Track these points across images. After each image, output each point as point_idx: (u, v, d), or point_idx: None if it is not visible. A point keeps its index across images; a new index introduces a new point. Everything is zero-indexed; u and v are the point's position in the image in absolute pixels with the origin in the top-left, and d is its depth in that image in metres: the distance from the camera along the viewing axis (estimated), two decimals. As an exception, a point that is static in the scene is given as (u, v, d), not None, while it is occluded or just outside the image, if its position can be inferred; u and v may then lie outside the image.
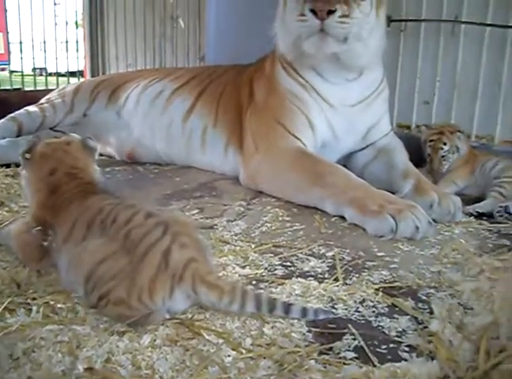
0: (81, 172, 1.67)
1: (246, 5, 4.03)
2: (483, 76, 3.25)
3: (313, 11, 2.39)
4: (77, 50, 5.87)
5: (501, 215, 2.42)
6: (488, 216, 2.46)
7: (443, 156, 2.86)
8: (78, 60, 5.89)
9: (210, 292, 1.32)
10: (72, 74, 5.79)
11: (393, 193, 2.50)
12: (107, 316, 1.35)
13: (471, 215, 2.46)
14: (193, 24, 4.79)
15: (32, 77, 5.30)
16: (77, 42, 5.95)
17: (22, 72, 5.20)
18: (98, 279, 1.33)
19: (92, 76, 5.67)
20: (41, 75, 6.44)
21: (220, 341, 1.29)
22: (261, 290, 1.60)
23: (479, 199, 2.62)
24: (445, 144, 2.86)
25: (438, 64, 3.39)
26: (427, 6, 3.38)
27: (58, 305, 1.41)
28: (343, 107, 2.79)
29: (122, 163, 3.39)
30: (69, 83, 5.41)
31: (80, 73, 6.04)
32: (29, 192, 1.69)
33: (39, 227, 1.58)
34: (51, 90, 4.03)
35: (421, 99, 3.50)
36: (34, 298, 1.45)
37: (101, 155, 3.45)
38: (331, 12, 2.38)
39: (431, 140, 2.91)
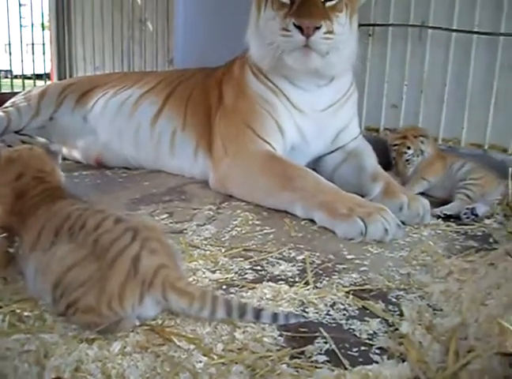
0: (49, 176, 1.64)
1: (215, 8, 4.04)
2: (449, 80, 3.29)
3: (298, 27, 2.40)
4: (44, 53, 5.79)
5: (468, 217, 2.46)
6: (455, 218, 2.49)
7: (407, 160, 2.91)
8: (45, 62, 5.80)
9: (180, 298, 1.31)
10: (38, 77, 5.71)
11: (362, 195, 2.52)
12: (76, 324, 1.32)
13: (439, 217, 2.49)
14: (162, 27, 4.77)
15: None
16: (43, 44, 5.87)
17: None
18: (66, 286, 1.30)
19: (59, 79, 5.60)
20: (6, 77, 6.34)
21: (192, 347, 1.27)
22: (232, 295, 1.59)
23: (446, 201, 2.65)
24: (409, 148, 2.91)
25: (406, 68, 3.43)
26: (394, 11, 3.41)
27: (25, 314, 1.38)
28: (313, 112, 2.81)
29: (90, 167, 3.34)
30: (35, 85, 5.33)
31: (47, 76, 5.95)
32: None
33: (5, 234, 1.54)
34: (17, 93, 3.97)
35: (389, 103, 3.53)
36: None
37: (66, 159, 3.44)
38: (317, 28, 2.41)
39: (395, 145, 2.96)
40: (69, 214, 1.43)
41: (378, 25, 3.48)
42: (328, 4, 2.52)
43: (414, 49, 3.40)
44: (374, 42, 3.50)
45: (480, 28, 3.15)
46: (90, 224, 1.37)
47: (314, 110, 2.81)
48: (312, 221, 2.34)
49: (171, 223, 2.30)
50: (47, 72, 6.01)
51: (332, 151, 2.96)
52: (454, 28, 3.22)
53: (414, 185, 2.75)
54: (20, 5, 5.72)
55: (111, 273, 1.28)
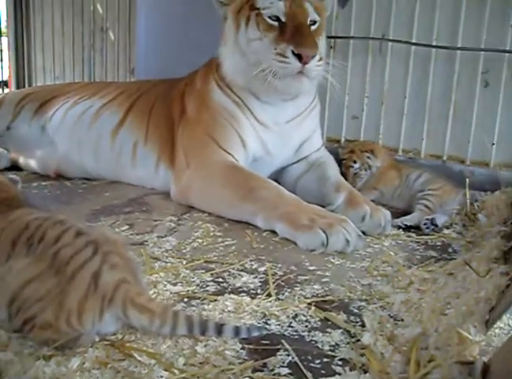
0: (5, 187, 1.59)
1: (177, 18, 4.02)
2: (409, 92, 3.35)
3: (297, 55, 2.42)
4: (1, 60, 5.67)
5: (427, 228, 2.49)
6: (416, 228, 2.52)
7: (355, 173, 3.00)
8: (2, 69, 5.68)
9: (141, 315, 1.28)
10: (-4, 84, 5.60)
11: (325, 205, 2.54)
12: (33, 340, 1.28)
13: (399, 227, 2.52)
14: (124, 36, 4.73)
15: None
16: (0, 51, 5.74)
17: None
18: (23, 301, 1.26)
19: (18, 87, 5.48)
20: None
21: (152, 362, 1.25)
22: (194, 308, 1.57)
23: (406, 212, 2.68)
24: (355, 162, 3.01)
25: (367, 80, 3.47)
26: (355, 24, 3.46)
27: (-22, 332, 1.33)
28: (276, 125, 2.82)
29: (49, 177, 3.26)
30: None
31: (5, 83, 5.83)
32: None
33: None
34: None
35: (350, 114, 3.57)
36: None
37: (22, 169, 3.37)
38: (312, 56, 2.45)
39: (343, 159, 3.06)
40: (27, 224, 1.38)
41: (340, 38, 3.52)
42: (312, 28, 2.59)
43: (375, 61, 3.45)
44: (335, 54, 3.54)
45: (438, 41, 3.22)
46: (50, 236, 1.33)
47: (277, 123, 2.82)
48: (274, 232, 2.33)
49: (131, 234, 2.27)
50: (4, 79, 5.88)
51: (295, 162, 2.97)
52: (414, 41, 3.28)
53: (365, 194, 2.78)
54: (-23, 12, 5.60)
55: (71, 288, 1.24)
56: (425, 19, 3.25)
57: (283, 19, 2.54)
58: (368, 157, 3.01)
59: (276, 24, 2.54)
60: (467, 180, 2.74)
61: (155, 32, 4.16)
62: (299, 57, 2.43)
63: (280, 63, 2.46)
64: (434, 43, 3.23)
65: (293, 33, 2.47)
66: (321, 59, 2.52)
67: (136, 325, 1.32)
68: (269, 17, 2.55)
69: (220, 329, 1.35)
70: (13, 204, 1.54)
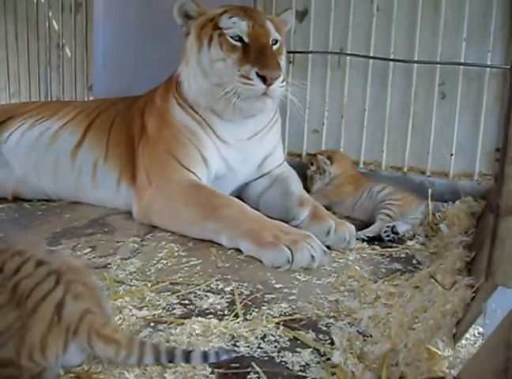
0: None
1: (134, 34, 4.00)
2: (368, 105, 3.39)
3: (261, 77, 2.43)
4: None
5: (388, 236, 2.51)
6: (379, 240, 2.53)
7: (311, 176, 3.14)
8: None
9: (106, 346, 1.25)
10: None
11: (288, 220, 2.54)
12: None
13: (363, 240, 2.53)
14: (81, 52, 4.66)
15: None
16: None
17: None
18: None
19: (-29, 106, 5.36)
20: None
21: (120, 392, 1.22)
22: (161, 333, 1.54)
23: (370, 224, 2.70)
24: (312, 164, 3.17)
25: (326, 94, 3.50)
26: (313, 39, 3.49)
27: None
28: (237, 142, 2.81)
29: (6, 199, 3.16)
30: None
31: (-42, 103, 5.68)
32: None
33: None
34: None
35: (311, 128, 3.59)
36: None
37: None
38: (276, 78, 2.46)
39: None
40: None
41: (298, 53, 3.54)
42: (274, 48, 2.62)
43: (334, 75, 3.48)
44: (294, 69, 3.56)
45: (395, 55, 3.27)
46: (9, 268, 1.27)
47: (238, 140, 2.81)
48: (239, 250, 2.31)
49: (94, 257, 2.22)
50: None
51: (258, 178, 2.97)
52: (371, 55, 3.33)
53: (315, 198, 2.79)
54: None
55: (33, 321, 1.20)
56: (382, 33, 3.30)
57: (246, 39, 2.55)
58: (325, 162, 3.09)
59: (239, 44, 2.55)
60: (429, 191, 2.78)
61: (112, 48, 4.12)
62: (263, 78, 2.44)
63: (244, 85, 2.46)
64: (391, 57, 3.28)
65: (257, 54, 2.48)
66: (284, 80, 2.54)
67: (101, 356, 1.28)
68: (232, 37, 2.56)
69: (187, 356, 1.33)
70: None
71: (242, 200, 2.67)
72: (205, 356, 1.34)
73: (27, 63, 5.09)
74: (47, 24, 4.84)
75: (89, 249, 2.31)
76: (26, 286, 1.24)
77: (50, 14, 4.82)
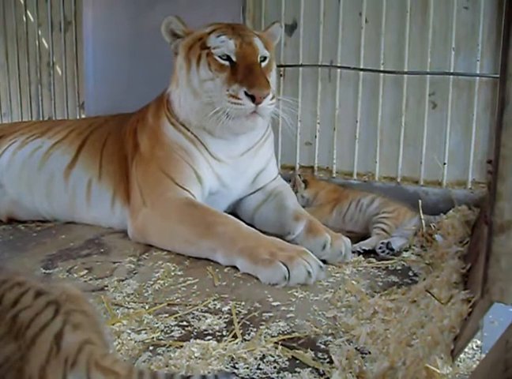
0: None
1: (124, 51, 4.00)
2: (360, 117, 3.40)
3: (250, 96, 2.44)
4: None
5: (383, 252, 2.51)
6: (375, 253, 2.54)
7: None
8: None
9: (106, 378, 1.24)
10: None
11: (284, 235, 2.56)
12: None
13: (359, 253, 2.53)
14: (71, 70, 4.66)
15: None
16: None
17: None
18: None
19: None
20: None
21: (121, 421, 1.21)
22: (160, 357, 1.54)
23: (364, 236, 2.70)
24: (290, 180, 3.23)
25: (318, 106, 3.51)
26: (303, 52, 3.50)
27: None
28: (230, 159, 2.81)
29: (1, 222, 3.15)
30: None
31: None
32: None
33: None
34: None
35: (303, 141, 3.59)
36: None
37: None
38: (265, 96, 2.47)
39: None
40: None
41: (289, 66, 3.56)
42: (263, 65, 2.63)
43: (325, 88, 3.49)
44: (285, 82, 3.58)
45: (385, 66, 3.29)
46: (8, 300, 1.26)
47: (231, 157, 2.81)
48: (235, 268, 2.31)
49: (90, 279, 2.21)
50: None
51: (252, 193, 2.97)
52: (362, 67, 3.35)
53: None
54: None
55: (32, 353, 1.19)
56: (371, 45, 3.31)
57: (233, 58, 2.56)
58: (300, 185, 3.14)
59: (227, 63, 2.56)
60: (419, 202, 2.79)
61: (103, 65, 4.12)
62: (252, 97, 2.45)
63: (233, 105, 2.47)
64: (381, 68, 3.30)
65: (245, 73, 2.49)
66: (273, 97, 2.54)
67: None
68: (220, 57, 2.57)
69: None
70: None
71: (236, 215, 2.69)
72: (204, 380, 1.34)
73: (18, 82, 5.09)
74: (37, 42, 4.84)
75: (86, 271, 2.30)
76: (25, 317, 1.23)
77: (39, 32, 4.83)
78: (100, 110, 3.76)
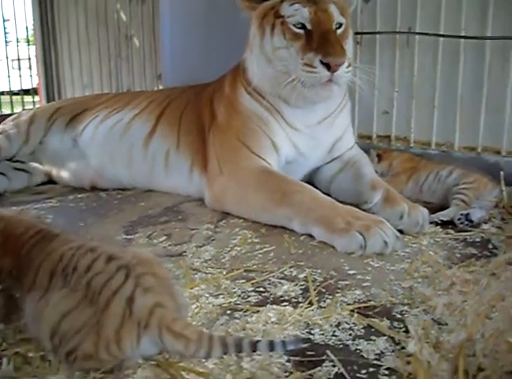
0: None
1: (201, 22, 4.03)
2: (439, 84, 3.31)
3: (325, 64, 2.42)
4: (30, 68, 5.74)
5: (462, 223, 2.45)
6: (453, 223, 2.48)
7: None
8: (31, 78, 5.75)
9: (176, 342, 1.27)
10: (25, 92, 5.66)
11: (360, 204, 2.54)
12: (78, 370, 1.28)
13: (437, 224, 2.48)
14: (149, 42, 4.76)
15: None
16: (29, 59, 5.81)
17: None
18: (62, 335, 1.27)
19: (47, 95, 5.57)
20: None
21: (200, 380, 1.26)
22: (237, 321, 1.57)
23: (441, 207, 2.65)
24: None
25: (395, 75, 3.44)
26: (381, 19, 3.43)
27: (30, 355, 1.36)
28: (307, 128, 2.80)
29: (84, 189, 3.31)
30: (23, 101, 5.33)
31: (35, 91, 5.90)
32: None
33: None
34: (6, 116, 3.96)
35: (380, 110, 3.54)
36: (4, 349, 1.39)
37: (56, 183, 3.41)
38: (341, 64, 2.44)
39: None
40: (61, 255, 1.38)
41: (366, 33, 3.49)
42: (338, 32, 2.57)
43: (402, 55, 3.42)
44: (362, 50, 3.52)
45: (466, 32, 3.17)
46: (82, 266, 1.32)
47: (308, 126, 2.80)
48: (311, 236, 2.32)
49: (170, 245, 2.28)
50: (34, 87, 5.95)
51: (328, 162, 2.96)
52: (441, 33, 3.24)
53: None
54: (4, 20, 5.66)
55: (106, 317, 1.24)
56: (452, 10, 3.20)
57: (308, 26, 2.52)
58: (374, 160, 3.08)
59: (301, 32, 2.53)
60: (501, 173, 2.70)
61: (180, 37, 4.17)
62: (327, 65, 2.42)
63: (308, 73, 2.45)
64: (462, 34, 3.17)
65: (320, 41, 2.45)
66: (349, 65, 2.50)
67: (171, 350, 1.32)
68: (294, 25, 2.54)
69: (254, 347, 1.34)
70: (50, 232, 1.54)
71: (312, 184, 2.68)
72: (271, 346, 1.36)
73: (98, 55, 5.24)
74: (116, 15, 4.96)
75: (165, 237, 2.38)
76: (98, 282, 1.29)
77: (118, 6, 4.94)
78: (178, 81, 3.81)
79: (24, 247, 1.47)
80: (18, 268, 1.45)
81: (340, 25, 2.60)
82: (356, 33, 3.42)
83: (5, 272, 1.47)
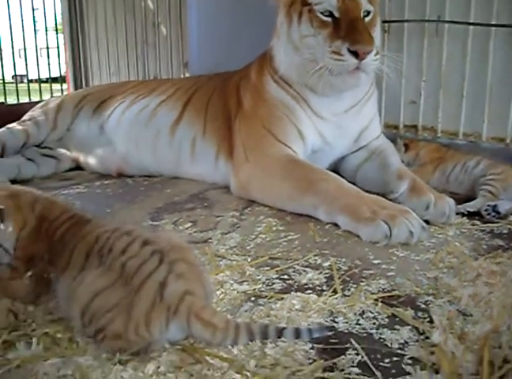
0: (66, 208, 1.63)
1: (228, 10, 4.03)
2: (468, 74, 3.26)
3: (353, 52, 2.41)
4: (59, 56, 5.80)
5: (489, 214, 2.43)
6: (480, 214, 2.46)
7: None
8: (60, 66, 5.81)
9: (204, 329, 1.30)
10: (54, 80, 5.72)
11: (386, 193, 2.53)
12: (106, 349, 1.32)
13: (463, 215, 2.46)
14: (176, 30, 4.76)
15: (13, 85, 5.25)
16: (57, 47, 5.87)
17: (3, 79, 5.17)
18: (94, 313, 1.30)
19: (75, 83, 5.63)
20: (22, 82, 6.37)
21: (224, 365, 1.27)
22: (261, 307, 1.58)
23: (468, 198, 2.62)
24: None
25: (423, 64, 3.40)
26: (409, 7, 3.39)
27: (58, 336, 1.39)
28: (334, 116, 2.80)
29: (110, 176, 3.35)
30: (51, 89, 5.38)
31: (63, 79, 5.96)
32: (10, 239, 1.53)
33: (30, 271, 1.52)
34: (35, 103, 4.01)
35: (408, 99, 3.50)
36: (33, 330, 1.42)
37: (83, 169, 3.46)
38: (369, 52, 2.43)
39: None
40: (97, 237, 1.41)
41: (394, 22, 3.45)
42: (366, 20, 2.55)
43: (431, 44, 3.37)
44: (390, 38, 3.48)
45: (498, 20, 3.12)
46: (117, 248, 1.36)
47: (335, 114, 2.80)
48: (336, 225, 2.32)
49: (195, 232, 2.30)
50: (62, 75, 6.00)
51: (355, 151, 2.95)
52: (471, 21, 3.19)
53: None
54: (33, 9, 5.71)
55: (138, 299, 1.27)
56: (483, -3, 3.14)
57: (336, 14, 2.50)
58: (401, 149, 3.05)
59: (329, 19, 2.51)
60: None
61: (206, 25, 4.18)
62: (355, 53, 2.41)
63: (335, 61, 2.44)
64: (493, 22, 3.12)
65: (347, 29, 2.44)
66: (377, 53, 2.48)
67: (198, 337, 1.34)
68: (322, 13, 2.52)
69: (280, 334, 1.36)
70: (83, 217, 1.57)
71: (338, 173, 2.68)
72: (297, 333, 1.37)
73: (125, 42, 5.26)
74: (143, 3, 4.97)
75: (190, 224, 2.40)
76: (132, 265, 1.31)
77: (145, -6, 4.95)
78: (204, 69, 3.83)
79: (58, 232, 1.50)
80: (51, 252, 1.48)
81: (368, 13, 2.58)
82: (384, 21, 3.38)
83: (37, 257, 1.51)
